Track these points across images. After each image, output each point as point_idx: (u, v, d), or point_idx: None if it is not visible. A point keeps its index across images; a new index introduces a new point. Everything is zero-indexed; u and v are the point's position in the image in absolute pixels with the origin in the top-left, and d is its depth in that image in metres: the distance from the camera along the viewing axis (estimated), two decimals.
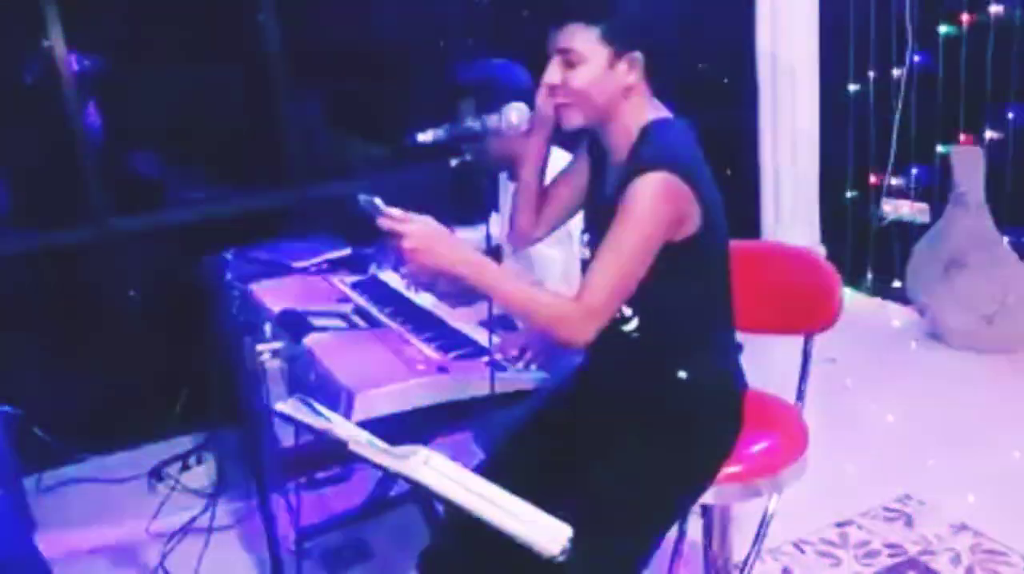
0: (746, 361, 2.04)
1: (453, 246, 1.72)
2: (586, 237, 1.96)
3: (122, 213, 3.55)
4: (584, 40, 1.74)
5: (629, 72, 1.77)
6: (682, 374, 1.86)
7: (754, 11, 4.31)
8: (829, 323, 2.18)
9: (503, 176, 2.64)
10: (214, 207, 3.74)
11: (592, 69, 1.75)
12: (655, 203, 1.68)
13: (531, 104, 1.93)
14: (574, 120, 1.83)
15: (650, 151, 1.75)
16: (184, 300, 3.22)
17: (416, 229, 1.70)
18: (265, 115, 3.72)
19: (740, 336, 2.05)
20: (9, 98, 3.42)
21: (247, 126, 3.82)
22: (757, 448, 1.98)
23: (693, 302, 1.82)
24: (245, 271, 2.81)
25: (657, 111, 1.84)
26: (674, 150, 1.75)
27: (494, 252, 2.71)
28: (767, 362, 2.35)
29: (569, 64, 1.76)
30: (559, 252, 2.44)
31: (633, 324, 1.85)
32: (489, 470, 1.79)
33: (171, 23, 3.61)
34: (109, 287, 3.58)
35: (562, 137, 2.09)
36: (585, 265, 1.95)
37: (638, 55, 1.76)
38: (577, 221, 2.06)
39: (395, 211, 1.73)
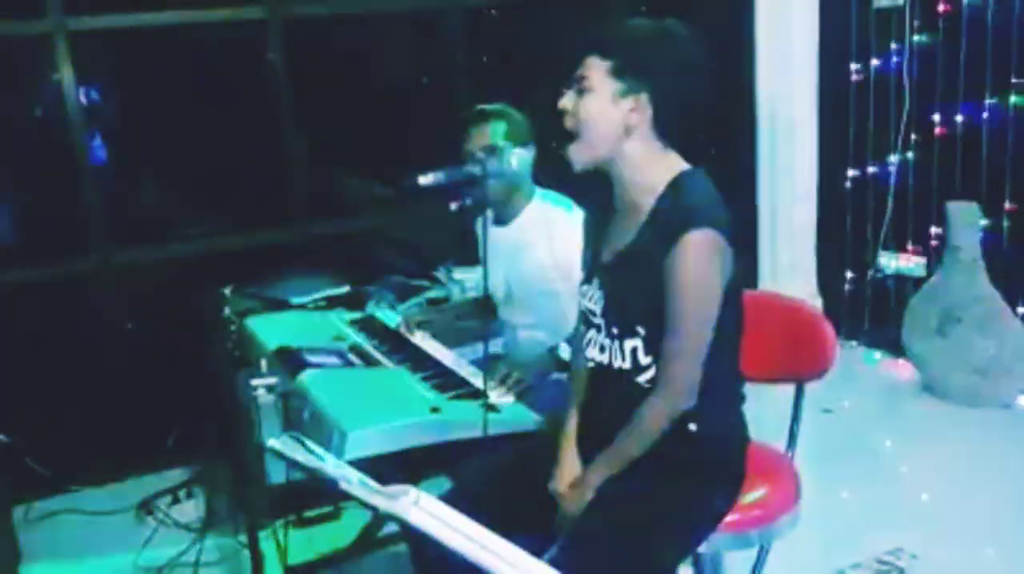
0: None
1: (584, 493, 1.86)
2: (587, 289, 1.96)
3: (124, 245, 3.57)
4: (597, 71, 1.80)
5: (632, 112, 1.80)
6: (692, 427, 1.85)
7: (755, 58, 4.37)
8: (821, 372, 2.18)
9: (488, 221, 2.64)
10: (216, 242, 3.76)
11: (598, 99, 1.80)
12: (707, 263, 1.74)
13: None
14: (580, 157, 1.85)
15: (686, 206, 1.78)
16: (181, 334, 3.23)
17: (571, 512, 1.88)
18: (270, 152, 3.75)
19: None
20: (17, 130, 3.45)
21: (252, 162, 3.86)
22: (750, 498, 1.97)
23: (709, 357, 1.81)
24: (243, 306, 2.82)
25: (677, 164, 1.86)
26: (709, 203, 1.79)
27: (486, 299, 2.71)
28: (762, 411, 2.35)
29: (581, 92, 1.82)
30: (561, 288, 2.45)
31: (649, 374, 1.85)
32: (478, 508, 1.80)
33: (179, 59, 3.66)
34: (106, 319, 3.58)
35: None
36: (585, 315, 1.97)
37: (644, 98, 1.79)
38: (576, 260, 2.07)
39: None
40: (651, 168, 1.83)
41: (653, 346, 1.82)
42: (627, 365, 1.86)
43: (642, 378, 1.85)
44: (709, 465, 1.89)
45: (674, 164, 1.85)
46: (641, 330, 1.83)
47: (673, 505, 1.84)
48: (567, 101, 1.84)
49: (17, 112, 3.50)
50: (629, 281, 1.85)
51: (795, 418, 2.24)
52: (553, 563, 1.33)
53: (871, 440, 3.50)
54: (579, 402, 2.00)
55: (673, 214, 1.78)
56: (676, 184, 1.82)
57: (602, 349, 1.91)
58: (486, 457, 2.00)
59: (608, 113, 1.80)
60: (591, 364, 1.96)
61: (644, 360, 1.84)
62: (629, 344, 1.85)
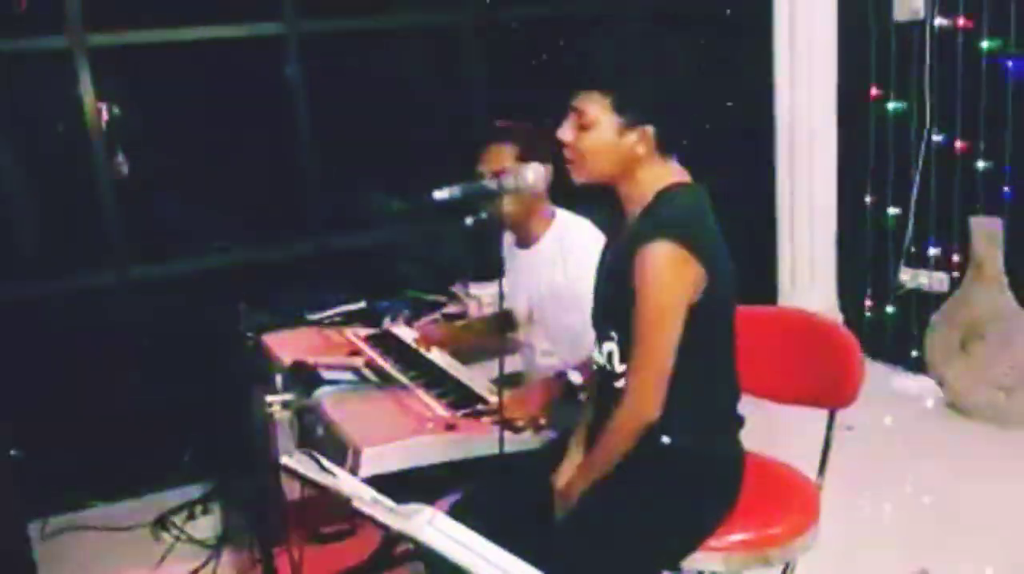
0: (762, 427, 2.02)
1: (567, 498, 1.89)
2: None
3: (141, 260, 3.58)
4: (596, 106, 1.79)
5: (638, 143, 1.80)
6: (665, 439, 1.85)
7: (773, 73, 4.34)
8: (849, 399, 2.15)
9: (509, 243, 2.63)
10: (232, 257, 3.77)
11: (601, 135, 1.80)
12: (665, 275, 1.72)
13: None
14: (580, 176, 1.86)
15: (657, 218, 1.79)
16: (197, 348, 3.23)
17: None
18: (286, 167, 3.76)
19: (758, 403, 2.02)
20: (40, 146, 3.48)
21: (268, 177, 3.86)
22: (768, 516, 1.94)
23: (685, 371, 1.79)
24: (259, 321, 2.82)
25: (676, 174, 1.86)
26: (680, 218, 1.78)
27: (506, 317, 2.68)
28: (783, 429, 2.32)
29: (581, 126, 1.80)
30: (575, 318, 2.43)
31: (623, 382, 1.85)
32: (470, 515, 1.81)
33: (198, 75, 3.68)
34: (123, 333, 3.58)
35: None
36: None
37: (649, 129, 1.79)
38: (588, 286, 2.06)
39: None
40: (648, 183, 1.84)
41: (625, 354, 1.83)
42: (608, 367, 1.89)
43: (619, 383, 1.87)
44: (688, 482, 1.87)
45: (667, 176, 1.84)
46: (615, 335, 1.86)
47: (647, 519, 1.83)
48: (566, 134, 1.83)
49: (38, 128, 3.52)
50: (607, 286, 1.90)
51: (826, 445, 2.19)
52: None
53: (893, 458, 3.45)
54: (595, 400, 2.02)
55: (644, 226, 1.79)
56: (659, 197, 1.82)
57: (598, 349, 1.94)
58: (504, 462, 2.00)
59: (614, 145, 1.80)
60: (594, 364, 1.99)
61: (619, 367, 1.86)
62: (607, 347, 1.89)
